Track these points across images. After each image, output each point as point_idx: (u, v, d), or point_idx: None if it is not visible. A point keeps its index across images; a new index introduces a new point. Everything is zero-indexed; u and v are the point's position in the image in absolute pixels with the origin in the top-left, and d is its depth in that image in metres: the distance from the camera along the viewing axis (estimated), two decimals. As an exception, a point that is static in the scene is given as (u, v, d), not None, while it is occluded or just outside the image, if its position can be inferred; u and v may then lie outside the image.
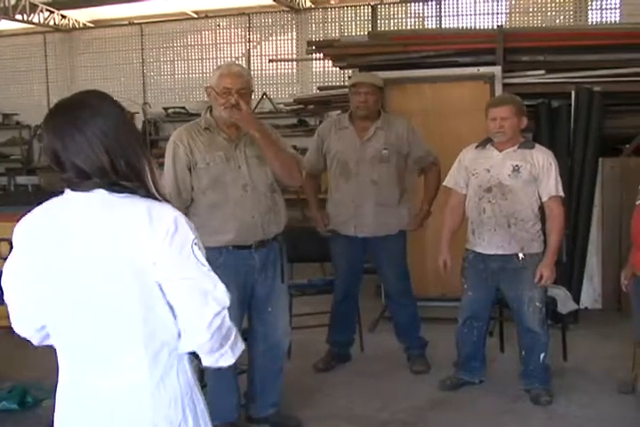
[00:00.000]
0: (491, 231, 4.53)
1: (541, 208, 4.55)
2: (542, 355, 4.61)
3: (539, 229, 4.55)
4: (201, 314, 1.93)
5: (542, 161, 4.47)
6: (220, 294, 1.96)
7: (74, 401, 2.03)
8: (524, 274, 4.51)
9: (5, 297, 2.11)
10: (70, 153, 1.91)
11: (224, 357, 2.02)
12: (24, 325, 2.13)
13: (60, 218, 1.98)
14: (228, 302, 1.98)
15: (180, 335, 1.99)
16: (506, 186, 4.47)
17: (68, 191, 1.98)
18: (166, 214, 1.93)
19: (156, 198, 1.97)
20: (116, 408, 1.97)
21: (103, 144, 1.91)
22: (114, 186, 1.93)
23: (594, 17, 10.24)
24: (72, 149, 1.90)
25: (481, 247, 4.60)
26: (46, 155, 1.97)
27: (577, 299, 6.13)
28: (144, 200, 1.94)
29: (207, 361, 2.02)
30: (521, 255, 4.52)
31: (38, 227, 2.00)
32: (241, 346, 2.07)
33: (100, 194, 1.93)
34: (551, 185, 4.46)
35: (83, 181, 1.92)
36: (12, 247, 2.05)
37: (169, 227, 1.91)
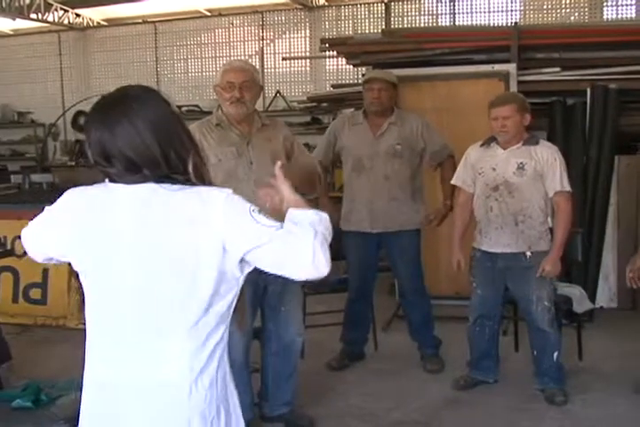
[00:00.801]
0: (498, 230, 4.51)
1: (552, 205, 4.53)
2: (555, 354, 4.58)
3: (547, 228, 4.52)
4: (300, 262, 1.91)
5: (547, 156, 4.44)
6: (299, 230, 1.92)
7: (104, 394, 1.98)
8: (532, 273, 4.48)
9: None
10: (120, 143, 1.87)
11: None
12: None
13: (109, 205, 1.94)
14: (312, 230, 1.92)
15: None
16: (512, 184, 4.45)
17: (108, 184, 1.95)
18: (216, 193, 1.91)
19: None
20: (151, 401, 1.92)
21: (154, 134, 1.88)
22: (164, 178, 1.90)
23: (609, 13, 10.14)
24: (122, 139, 1.87)
25: (487, 246, 4.58)
26: (92, 148, 1.92)
27: (592, 298, 6.10)
28: (191, 187, 1.92)
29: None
30: (528, 254, 4.49)
31: (87, 206, 1.98)
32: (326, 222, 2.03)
33: (149, 186, 1.90)
34: (556, 180, 4.43)
35: (132, 174, 1.89)
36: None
37: (223, 202, 1.88)
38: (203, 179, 1.95)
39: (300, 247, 1.90)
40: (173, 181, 1.91)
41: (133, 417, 1.94)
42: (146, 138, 1.88)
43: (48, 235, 2.05)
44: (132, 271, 1.91)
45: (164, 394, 1.92)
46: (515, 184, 4.45)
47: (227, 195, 1.91)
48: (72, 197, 2.02)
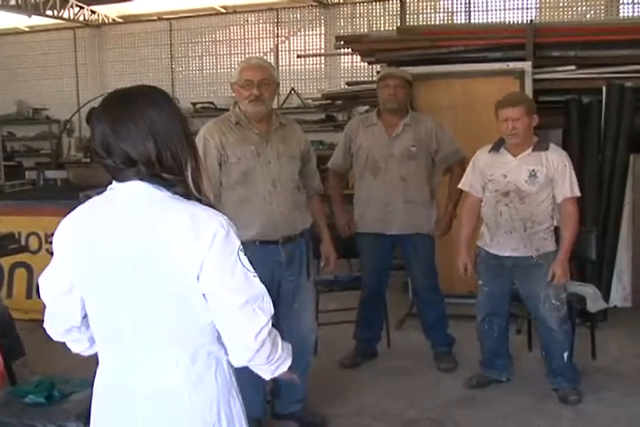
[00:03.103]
0: (506, 234, 4.49)
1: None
2: (565, 354, 4.56)
3: (552, 228, 4.49)
4: (249, 327, 1.94)
5: (557, 163, 4.40)
6: (267, 305, 1.97)
7: (110, 402, 2.04)
8: (539, 271, 4.47)
9: (43, 295, 2.12)
10: (121, 140, 1.90)
11: (280, 365, 2.09)
12: (58, 324, 2.14)
13: (103, 211, 1.98)
14: (272, 312, 1.98)
15: (218, 338, 2.00)
16: (523, 191, 4.42)
17: (113, 183, 1.98)
18: (211, 221, 1.91)
19: (197, 198, 1.96)
20: (153, 410, 1.97)
21: (152, 133, 1.91)
22: (156, 177, 1.92)
23: (625, 11, 10.10)
24: (123, 137, 1.90)
25: (495, 249, 4.57)
26: (95, 140, 1.96)
27: (606, 297, 6.07)
28: (187, 203, 1.94)
29: (265, 374, 2.12)
30: (536, 254, 4.47)
31: (81, 221, 2.01)
32: (288, 348, 2.12)
33: (144, 186, 1.92)
34: (566, 187, 4.40)
35: (127, 168, 1.92)
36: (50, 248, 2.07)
37: (214, 234, 1.89)
38: (198, 186, 1.97)
39: (260, 311, 1.95)
40: (166, 181, 1.93)
41: (140, 422, 1.99)
42: (143, 136, 1.90)
43: (58, 273, 2.07)
44: (129, 285, 1.94)
45: (165, 401, 1.97)
46: (526, 191, 4.41)
47: (221, 224, 1.92)
48: (63, 228, 2.04)
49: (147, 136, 1.90)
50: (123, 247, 1.92)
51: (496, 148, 4.53)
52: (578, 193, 4.44)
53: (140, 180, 1.92)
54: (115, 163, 1.92)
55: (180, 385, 1.96)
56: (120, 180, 1.95)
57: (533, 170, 4.39)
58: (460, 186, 4.79)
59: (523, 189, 4.42)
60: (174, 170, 1.93)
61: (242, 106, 3.95)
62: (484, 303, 4.73)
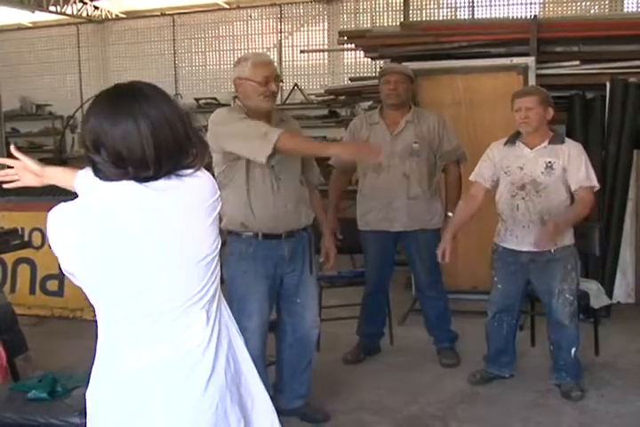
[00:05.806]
0: (525, 229, 4.47)
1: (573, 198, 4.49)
2: (573, 350, 4.55)
3: None
4: None
5: (573, 153, 4.40)
6: None
7: (132, 380, 1.97)
8: (556, 266, 4.45)
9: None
10: (117, 137, 1.83)
11: None
12: None
13: (107, 207, 1.88)
14: None
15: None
16: (539, 183, 4.41)
17: (96, 182, 1.90)
18: (200, 173, 1.98)
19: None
20: (175, 370, 1.97)
21: (153, 137, 1.85)
22: (147, 179, 1.87)
23: (630, 6, 10.07)
24: (120, 135, 1.83)
25: (513, 244, 4.54)
26: (86, 133, 1.89)
27: (610, 293, 6.06)
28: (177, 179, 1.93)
29: None
30: (553, 248, 4.46)
31: (88, 226, 1.88)
32: None
33: (134, 185, 1.87)
34: (581, 175, 4.38)
35: (115, 168, 1.85)
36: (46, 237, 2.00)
37: (208, 175, 1.99)
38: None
39: None
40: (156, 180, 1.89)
41: (159, 402, 1.96)
42: (144, 140, 1.85)
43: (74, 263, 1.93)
44: (164, 261, 1.92)
45: (189, 365, 1.98)
46: (542, 183, 4.41)
47: (212, 183, 2.02)
48: (68, 218, 1.91)
49: (148, 139, 1.84)
50: (147, 238, 1.88)
51: (511, 141, 4.53)
52: (595, 183, 4.43)
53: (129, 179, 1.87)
54: (103, 160, 1.86)
55: (204, 344, 2.00)
56: (104, 179, 1.88)
57: (550, 162, 4.39)
58: (470, 178, 4.74)
59: (539, 180, 4.41)
60: (168, 168, 1.89)
61: (252, 102, 3.89)
62: (497, 300, 4.72)
